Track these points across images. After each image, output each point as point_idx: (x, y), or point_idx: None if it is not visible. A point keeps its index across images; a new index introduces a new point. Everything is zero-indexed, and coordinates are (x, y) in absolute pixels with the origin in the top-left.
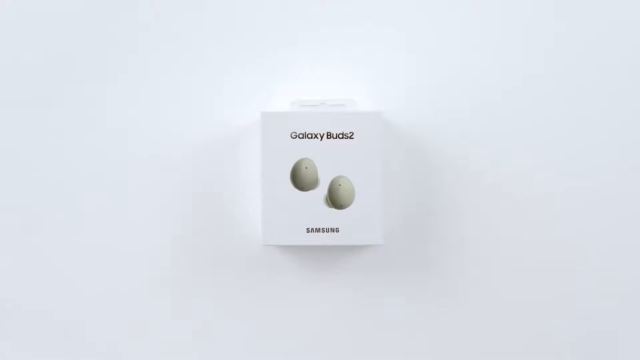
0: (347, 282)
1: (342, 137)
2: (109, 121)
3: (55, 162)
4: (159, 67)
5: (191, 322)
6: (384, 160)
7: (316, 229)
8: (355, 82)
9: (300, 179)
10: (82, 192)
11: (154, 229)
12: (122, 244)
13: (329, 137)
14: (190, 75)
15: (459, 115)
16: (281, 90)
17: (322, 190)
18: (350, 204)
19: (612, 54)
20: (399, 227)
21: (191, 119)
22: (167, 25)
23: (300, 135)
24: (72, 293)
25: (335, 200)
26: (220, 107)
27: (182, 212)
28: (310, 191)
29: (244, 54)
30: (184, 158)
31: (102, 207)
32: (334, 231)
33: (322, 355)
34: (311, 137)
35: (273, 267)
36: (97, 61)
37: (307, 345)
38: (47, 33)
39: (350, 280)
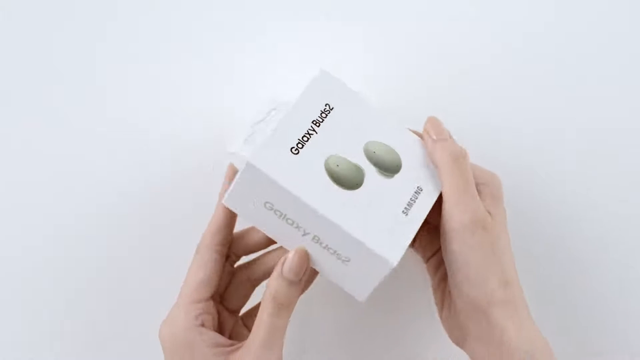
0: None
1: None
2: (107, 122)
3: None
4: (158, 67)
5: None
6: None
7: None
8: (354, 82)
9: None
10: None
11: (153, 228)
12: (121, 244)
13: None
14: (189, 76)
15: (459, 116)
16: (281, 90)
17: None
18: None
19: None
20: None
21: (191, 119)
22: (166, 25)
23: None
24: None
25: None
26: (219, 107)
27: (182, 212)
28: None
29: (244, 54)
30: (183, 158)
31: (100, 206)
32: None
33: (323, 356)
34: None
35: None
36: (96, 60)
37: (307, 345)
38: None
39: None
